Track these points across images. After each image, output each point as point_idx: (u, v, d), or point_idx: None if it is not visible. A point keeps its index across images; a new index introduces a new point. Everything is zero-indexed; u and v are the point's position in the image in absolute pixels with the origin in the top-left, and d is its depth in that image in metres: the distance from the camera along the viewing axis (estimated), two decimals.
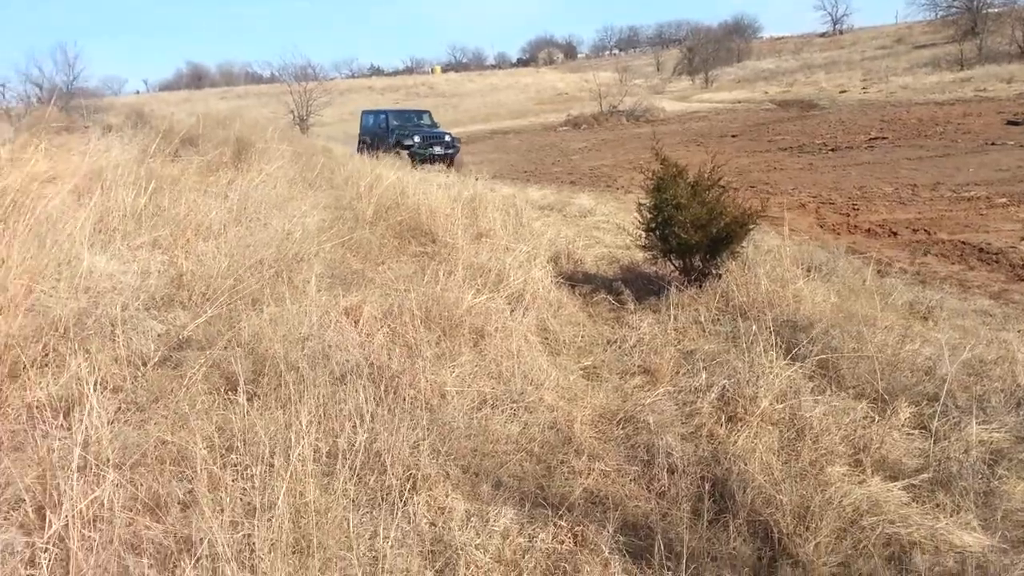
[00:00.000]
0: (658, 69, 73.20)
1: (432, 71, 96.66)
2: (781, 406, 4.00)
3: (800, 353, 4.67)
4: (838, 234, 10.38)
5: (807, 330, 5.01)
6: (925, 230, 10.27)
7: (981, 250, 9.09)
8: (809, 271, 6.63)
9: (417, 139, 21.83)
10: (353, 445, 3.29)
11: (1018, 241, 9.37)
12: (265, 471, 3.07)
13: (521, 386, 4.37)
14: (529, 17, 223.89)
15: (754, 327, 4.60)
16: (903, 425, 3.85)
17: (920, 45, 51.47)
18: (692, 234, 6.17)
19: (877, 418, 3.89)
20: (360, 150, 22.03)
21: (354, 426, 3.42)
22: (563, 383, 4.58)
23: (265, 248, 5.56)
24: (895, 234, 10.24)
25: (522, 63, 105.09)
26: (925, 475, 3.38)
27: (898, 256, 9.10)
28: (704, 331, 5.51)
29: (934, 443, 3.65)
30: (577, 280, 6.80)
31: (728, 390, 4.25)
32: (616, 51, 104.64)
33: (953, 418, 3.80)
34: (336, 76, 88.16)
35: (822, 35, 79.23)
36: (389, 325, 4.70)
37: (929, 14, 53.65)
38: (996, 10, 46.83)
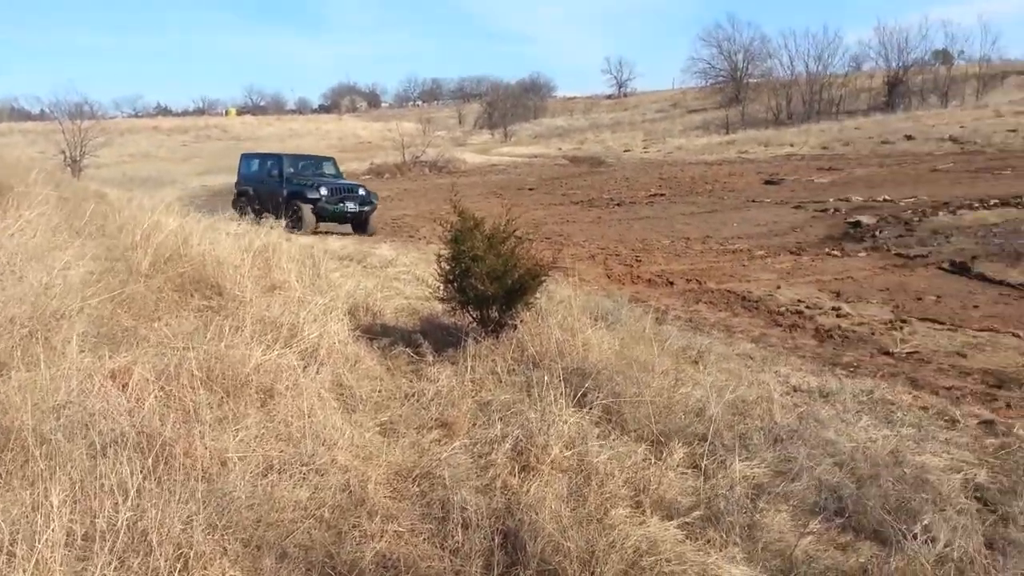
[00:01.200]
0: (460, 122, 75.42)
1: (226, 113, 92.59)
2: (570, 453, 4.15)
3: (588, 400, 4.88)
4: (623, 284, 11.10)
5: (594, 377, 5.26)
6: (697, 280, 11.28)
7: (744, 298, 10.12)
8: (597, 320, 7.01)
9: (324, 191, 17.32)
10: (114, 525, 2.96)
11: (774, 289, 10.54)
12: (3, 563, 2.68)
13: (312, 447, 4.18)
14: (332, 63, 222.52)
15: (545, 376, 4.76)
16: (678, 465, 4.12)
17: (693, 110, 57.25)
18: (488, 285, 6.31)
19: (655, 460, 4.14)
20: (240, 207, 17.58)
21: (116, 504, 3.08)
22: (358, 441, 4.44)
23: (17, 304, 4.95)
24: (672, 284, 11.15)
25: (324, 109, 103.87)
26: (697, 512, 3.63)
27: (674, 304, 9.89)
28: (500, 381, 5.61)
29: (704, 481, 3.94)
30: (376, 333, 6.70)
31: (521, 440, 4.34)
32: (419, 102, 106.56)
33: (720, 456, 4.13)
34: (117, 115, 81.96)
35: (609, 97, 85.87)
36: (163, 388, 4.33)
37: (700, 81, 59.97)
38: (755, 80, 53.33)
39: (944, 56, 47.34)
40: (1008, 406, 6.00)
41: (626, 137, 46.31)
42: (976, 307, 9.43)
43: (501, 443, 4.38)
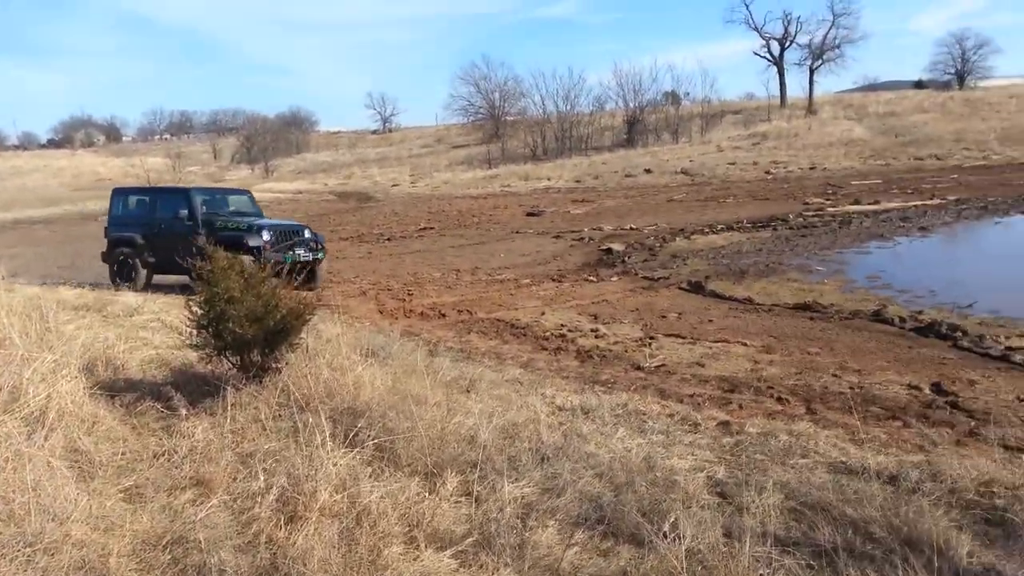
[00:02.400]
0: (215, 156, 71.49)
1: None
2: (340, 496, 4.00)
3: (359, 439, 4.75)
4: (396, 318, 11.06)
5: (366, 415, 5.15)
6: (468, 310, 11.54)
7: (513, 325, 10.50)
8: (368, 356, 6.89)
9: (267, 236, 12.85)
10: None
11: (540, 316, 11.06)
12: None
13: (40, 524, 3.65)
14: (63, 94, 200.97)
15: (311, 419, 4.57)
16: (451, 495, 4.13)
17: (457, 145, 59.06)
18: (248, 328, 5.97)
19: (429, 492, 4.11)
20: (119, 265, 13.58)
21: None
22: (97, 512, 3.95)
23: None
24: (444, 316, 11.30)
25: (54, 144, 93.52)
26: (470, 539, 3.65)
27: (447, 336, 10.02)
28: (265, 429, 5.30)
29: (477, 507, 3.98)
30: (119, 389, 6.05)
31: (287, 489, 4.11)
32: (167, 135, 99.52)
33: (491, 481, 4.20)
34: None
35: (374, 132, 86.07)
36: None
37: (462, 118, 62.04)
38: (512, 118, 56.22)
39: (673, 97, 53.31)
40: (740, 407, 6.75)
41: (393, 172, 46.64)
42: (711, 321, 10.56)
43: (265, 495, 4.12)
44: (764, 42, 52.16)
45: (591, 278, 14.29)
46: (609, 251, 17.21)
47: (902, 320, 10.16)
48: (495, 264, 16.10)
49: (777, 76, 52.38)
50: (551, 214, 24.24)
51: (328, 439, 4.45)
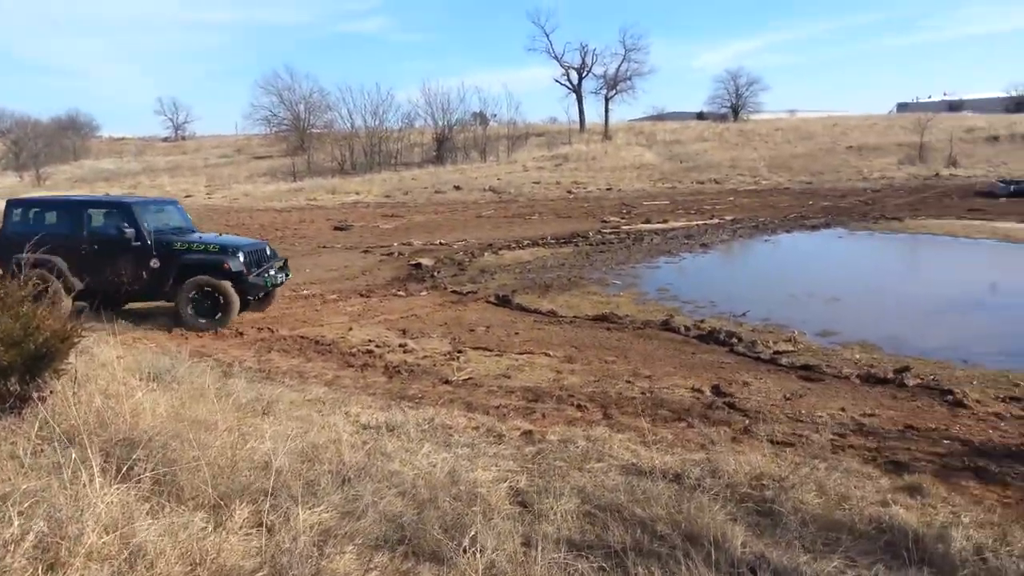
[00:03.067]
0: None
1: None
2: (111, 537, 3.59)
3: (135, 472, 4.31)
4: (186, 339, 10.27)
5: (145, 445, 4.69)
6: (269, 328, 10.98)
7: (317, 342, 10.13)
8: (150, 381, 6.32)
9: (242, 257, 11.19)
10: None
11: (347, 331, 10.76)
12: None
13: None
14: None
15: (74, 454, 4.07)
16: (240, 527, 3.85)
17: (259, 156, 56.40)
18: (4, 353, 5.26)
19: (215, 526, 3.81)
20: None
21: None
22: None
23: None
24: (242, 334, 10.66)
25: None
26: (261, 573, 3.41)
27: (244, 355, 9.46)
28: (23, 467, 4.66)
29: (269, 538, 3.74)
30: None
31: (47, 533, 3.63)
32: None
33: (285, 509, 3.97)
34: None
35: (165, 139, 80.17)
36: None
37: (264, 129, 59.34)
38: (318, 131, 54.67)
39: (481, 117, 54.64)
40: (543, 416, 6.94)
41: (187, 182, 43.63)
42: (517, 334, 10.81)
43: (20, 542, 3.60)
44: (564, 71, 55.03)
45: (400, 293, 14.16)
46: (419, 266, 17.17)
47: (687, 329, 10.99)
48: (300, 279, 15.49)
49: (576, 103, 55.43)
50: (360, 229, 23.82)
51: (98, 474, 3.99)
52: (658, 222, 23.53)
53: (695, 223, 23.09)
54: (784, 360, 9.31)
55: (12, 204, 11.97)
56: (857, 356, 9.37)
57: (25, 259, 9.97)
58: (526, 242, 20.61)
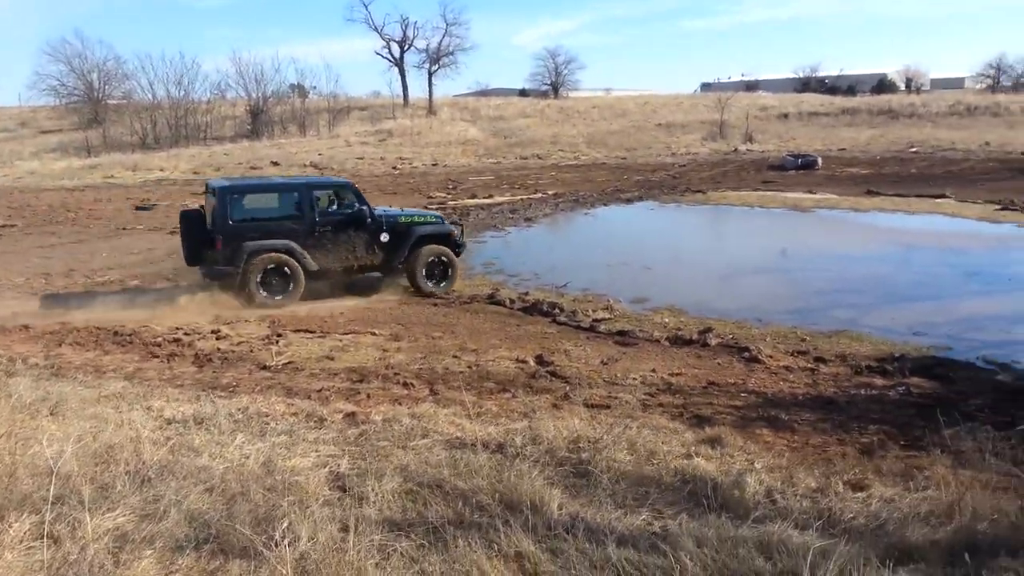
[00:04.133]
0: None
1: None
2: None
3: None
4: None
5: None
6: (59, 320, 9.94)
7: (116, 333, 9.29)
8: None
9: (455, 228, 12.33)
10: None
11: (150, 320, 9.95)
12: None
13: None
14: None
15: None
16: (20, 542, 3.44)
17: (47, 130, 50.68)
18: None
19: None
20: (267, 279, 10.57)
21: None
22: None
23: None
24: (27, 327, 9.58)
25: None
26: None
27: (32, 351, 8.51)
28: None
29: (56, 550, 3.36)
30: None
31: None
32: None
33: (74, 517, 3.59)
34: None
35: None
36: None
37: (52, 100, 53.30)
38: (116, 102, 49.90)
39: (300, 89, 52.30)
40: (368, 396, 6.79)
41: None
42: (342, 314, 10.52)
43: None
44: (385, 43, 53.81)
45: None
46: None
47: (512, 301, 11.20)
48: (97, 265, 14.16)
49: (400, 77, 54.50)
50: (166, 208, 22.04)
51: None
52: (484, 197, 23.77)
53: (519, 198, 23.55)
54: (602, 327, 9.73)
55: (230, 191, 10.81)
56: (666, 320, 9.98)
57: (260, 246, 10.41)
58: None
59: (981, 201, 19.84)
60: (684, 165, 31.61)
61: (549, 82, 66.89)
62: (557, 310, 10.59)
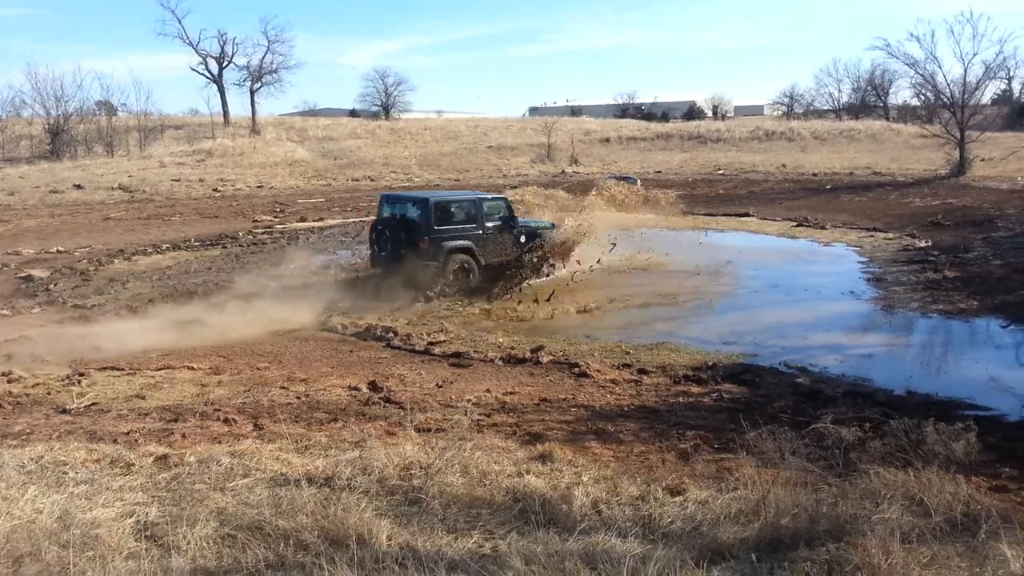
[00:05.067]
0: None
1: None
2: None
3: None
4: None
5: None
6: None
7: None
8: None
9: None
10: None
11: None
12: None
13: None
14: None
15: None
16: None
17: None
18: None
19: None
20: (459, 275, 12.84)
21: None
22: None
23: None
24: None
25: None
26: None
27: None
28: None
29: None
30: None
31: None
32: None
33: None
34: None
35: None
36: None
37: None
38: None
39: (107, 107, 48.38)
40: (184, 436, 6.31)
41: None
42: (155, 347, 9.77)
43: None
44: (201, 59, 51.05)
45: (5, 311, 11.99)
46: (29, 278, 14.69)
47: (344, 327, 10.92)
48: None
49: (219, 94, 51.88)
50: None
51: None
52: (314, 220, 23.11)
53: (352, 220, 23.11)
54: (437, 350, 9.71)
55: (434, 206, 13.07)
56: (500, 340, 10.12)
57: (455, 246, 12.85)
58: (166, 246, 18.83)
59: (779, 219, 21.83)
60: (515, 187, 32.44)
61: (380, 103, 66.46)
62: (391, 334, 10.44)
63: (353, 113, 65.44)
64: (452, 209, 13.37)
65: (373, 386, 8.04)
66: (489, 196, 14.67)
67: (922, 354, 9.43)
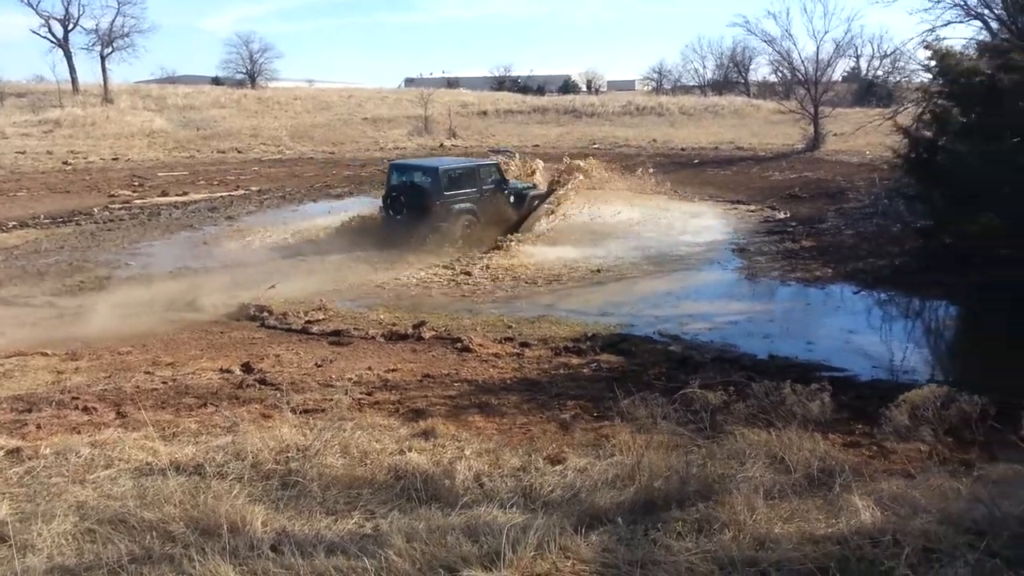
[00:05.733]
0: None
1: None
2: None
3: None
4: None
5: None
6: None
7: None
8: None
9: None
10: None
11: None
12: None
13: None
14: None
15: None
16: None
17: None
18: None
19: None
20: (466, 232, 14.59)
21: None
22: None
23: None
24: None
25: None
26: None
27: None
28: None
29: None
30: None
31: None
32: None
33: None
34: None
35: None
36: None
37: None
38: None
39: None
40: (39, 427, 5.86)
41: None
42: (3, 334, 9.01)
43: None
44: (44, 21, 46.75)
45: None
46: None
47: (215, 307, 10.43)
48: None
49: (65, 60, 47.73)
50: None
51: None
52: (177, 195, 21.84)
53: (219, 195, 22.01)
54: (316, 328, 9.45)
55: (443, 173, 14.57)
56: (382, 317, 9.97)
57: (462, 208, 14.51)
58: (11, 224, 17.31)
59: (651, 191, 22.54)
60: (393, 160, 31.90)
61: (245, 71, 63.33)
62: (266, 313, 10.07)
63: (216, 81, 62.00)
64: (457, 176, 14.86)
65: (247, 368, 7.75)
66: (484, 162, 16.63)
67: (783, 320, 10.03)
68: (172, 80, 61.58)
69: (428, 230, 13.98)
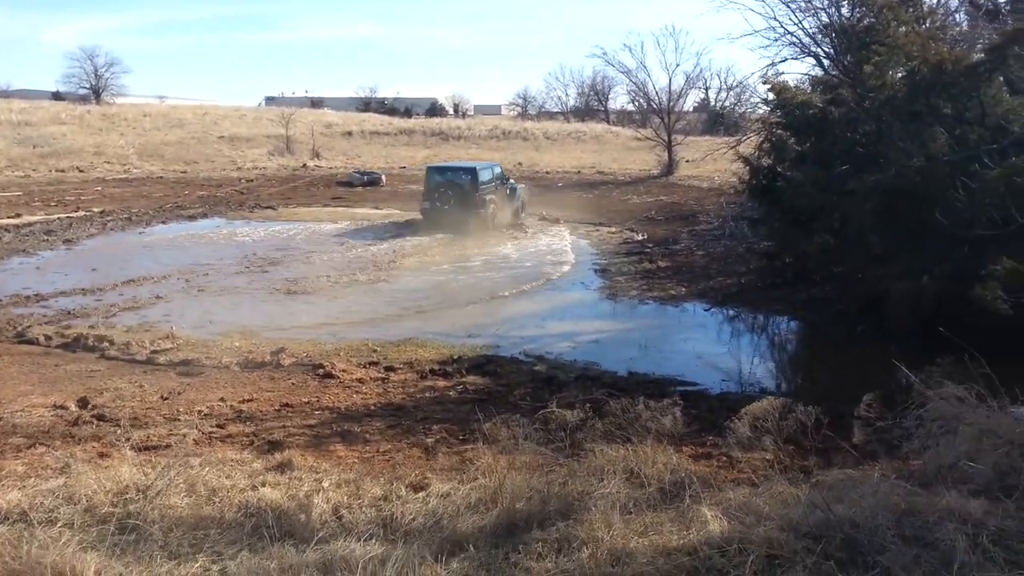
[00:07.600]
0: None
1: None
2: None
3: None
4: None
5: None
6: None
7: None
8: None
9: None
10: None
11: None
12: None
13: None
14: None
15: None
16: None
17: None
18: None
19: None
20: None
21: None
22: None
23: None
24: None
25: None
26: None
27: None
28: None
29: None
30: None
31: None
32: None
33: None
34: None
35: None
36: None
37: None
38: None
39: None
40: None
41: None
42: None
43: None
44: None
45: None
46: None
47: (48, 338, 9.61)
48: None
49: None
50: None
51: None
52: (9, 216, 20.04)
53: (56, 216, 20.38)
54: (162, 359, 8.90)
55: (478, 173, 19.40)
56: (237, 344, 9.51)
57: (491, 199, 19.50)
58: None
59: (536, 216, 22.72)
60: (252, 180, 30.69)
61: (89, 85, 59.40)
62: (106, 343, 9.36)
63: (57, 96, 57.83)
64: (487, 175, 19.53)
65: (83, 403, 7.17)
66: (495, 164, 21.38)
67: (642, 337, 10.40)
68: (6, 94, 56.78)
69: (470, 215, 18.43)
